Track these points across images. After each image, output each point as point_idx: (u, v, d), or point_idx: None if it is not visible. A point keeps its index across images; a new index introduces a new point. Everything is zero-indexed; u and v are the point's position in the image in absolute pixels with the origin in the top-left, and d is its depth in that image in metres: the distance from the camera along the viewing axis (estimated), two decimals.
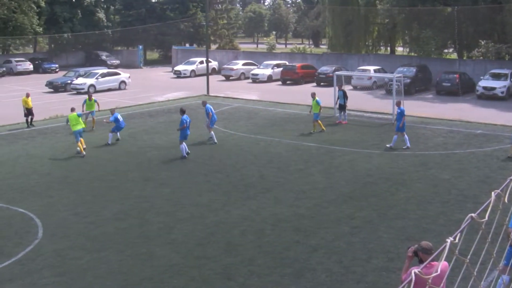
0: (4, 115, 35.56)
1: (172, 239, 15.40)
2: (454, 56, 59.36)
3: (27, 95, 31.99)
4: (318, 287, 12.46)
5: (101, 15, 79.58)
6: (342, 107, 32.40)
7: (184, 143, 24.76)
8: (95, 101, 31.85)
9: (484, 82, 42.17)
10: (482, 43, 49.89)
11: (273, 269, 13.37)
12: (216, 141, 27.28)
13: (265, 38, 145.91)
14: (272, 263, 13.70)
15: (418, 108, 37.25)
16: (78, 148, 25.25)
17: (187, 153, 24.74)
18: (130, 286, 12.64)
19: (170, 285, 12.65)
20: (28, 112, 31.85)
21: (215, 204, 18.29)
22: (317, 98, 29.01)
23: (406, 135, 25.91)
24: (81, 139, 25.38)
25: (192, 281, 12.82)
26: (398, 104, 26.82)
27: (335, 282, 12.68)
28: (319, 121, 29.14)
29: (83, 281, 12.90)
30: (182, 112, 24.98)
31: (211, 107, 27.84)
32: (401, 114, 25.67)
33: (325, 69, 52.25)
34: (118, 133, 27.98)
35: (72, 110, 26.28)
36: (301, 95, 41.62)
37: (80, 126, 25.36)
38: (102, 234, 15.80)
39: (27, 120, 32.09)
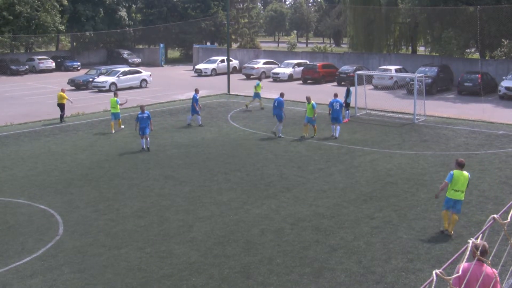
0: (26, 112, 35.90)
1: (191, 237, 15.44)
2: (476, 56, 58.86)
3: (63, 90, 33.30)
4: (337, 287, 12.42)
5: (123, 13, 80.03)
6: (347, 105, 32.98)
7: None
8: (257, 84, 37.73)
9: (507, 82, 41.75)
10: (505, 42, 49.38)
11: (292, 268, 13.36)
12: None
13: (286, 37, 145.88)
14: (291, 262, 13.69)
15: (440, 108, 37.01)
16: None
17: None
18: (149, 283, 12.70)
19: (189, 283, 12.68)
20: (61, 107, 32.58)
21: (235, 203, 18.31)
22: (313, 102, 28.08)
23: (281, 126, 28.57)
24: (112, 121, 29.94)
25: (211, 279, 12.84)
26: (282, 95, 29.61)
27: (354, 282, 12.63)
28: (315, 126, 28.41)
29: (103, 278, 12.98)
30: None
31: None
32: (281, 104, 28.66)
33: (346, 68, 52.09)
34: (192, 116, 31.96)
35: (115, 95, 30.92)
36: (322, 94, 41.50)
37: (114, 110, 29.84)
38: (122, 231, 15.90)
39: (62, 116, 33.01)
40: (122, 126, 30.55)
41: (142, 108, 26.18)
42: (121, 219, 16.90)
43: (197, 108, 31.22)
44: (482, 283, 7.31)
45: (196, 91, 31.81)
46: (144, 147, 25.63)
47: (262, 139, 27.95)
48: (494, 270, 7.58)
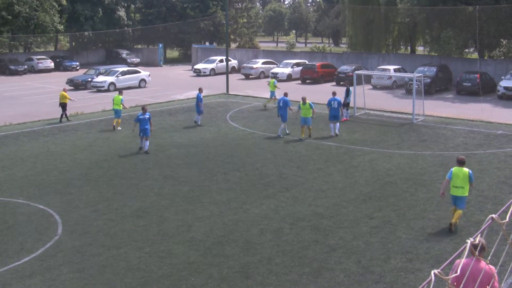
0: (25, 112, 35.88)
1: (190, 237, 15.44)
2: (475, 55, 58.85)
3: (65, 90, 33.27)
4: (336, 287, 12.43)
5: (122, 13, 79.95)
6: (346, 105, 32.87)
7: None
8: (274, 83, 38.43)
9: (506, 82, 41.73)
10: (504, 42, 49.40)
11: (291, 268, 13.36)
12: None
13: (285, 37, 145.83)
14: (291, 262, 13.70)
15: (438, 108, 37.02)
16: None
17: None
18: (148, 283, 12.70)
19: (188, 282, 12.69)
20: (63, 107, 32.66)
21: (234, 203, 18.31)
22: (309, 101, 27.59)
23: (282, 126, 28.90)
24: (115, 119, 30.69)
25: (210, 279, 12.84)
26: (286, 95, 29.77)
27: (353, 282, 12.64)
28: (310, 127, 28.08)
29: (102, 278, 12.98)
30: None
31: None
32: (287, 103, 28.85)
33: (345, 68, 52.07)
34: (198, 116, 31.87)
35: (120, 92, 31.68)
36: (321, 94, 41.50)
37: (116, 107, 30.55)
38: (121, 231, 15.90)
39: (66, 115, 33.06)
40: (119, 128, 30.61)
41: (144, 109, 25.83)
42: (120, 219, 16.90)
43: (201, 108, 31.22)
44: (480, 280, 7.33)
45: (200, 90, 31.84)
46: (142, 146, 25.56)
47: (261, 139, 27.95)
48: (491, 267, 7.59)
